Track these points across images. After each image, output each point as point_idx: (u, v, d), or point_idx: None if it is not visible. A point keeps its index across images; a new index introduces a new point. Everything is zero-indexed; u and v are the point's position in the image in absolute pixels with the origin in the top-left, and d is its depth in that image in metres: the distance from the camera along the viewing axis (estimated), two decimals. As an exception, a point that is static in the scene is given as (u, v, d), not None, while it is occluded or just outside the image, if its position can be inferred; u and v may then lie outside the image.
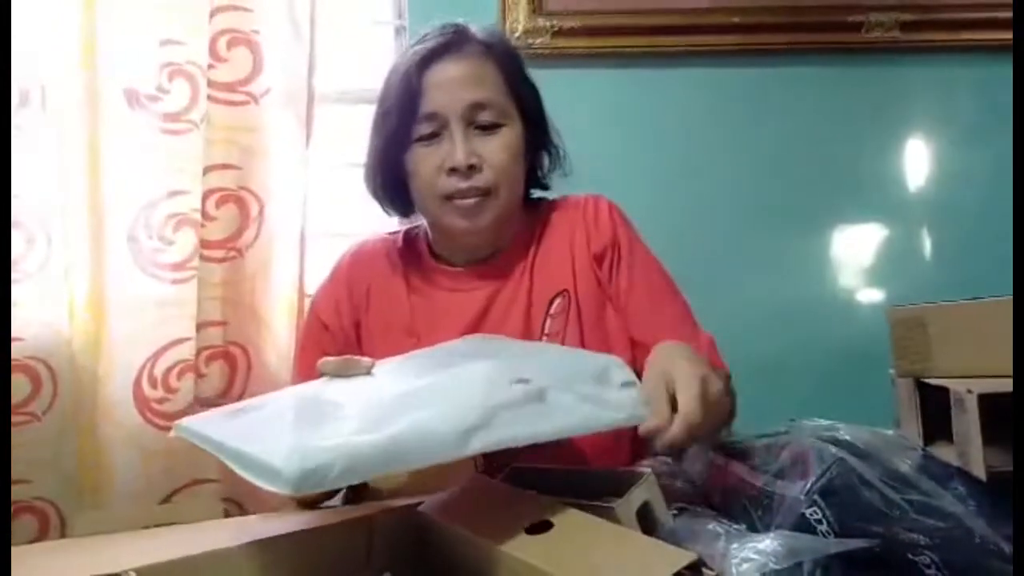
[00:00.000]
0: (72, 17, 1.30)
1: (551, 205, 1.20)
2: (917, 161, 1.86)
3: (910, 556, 0.59)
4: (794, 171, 1.82)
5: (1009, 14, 1.72)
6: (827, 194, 1.83)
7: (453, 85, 1.06)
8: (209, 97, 1.36)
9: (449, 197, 1.06)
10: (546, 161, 1.19)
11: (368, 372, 0.85)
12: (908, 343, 0.97)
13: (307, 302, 1.44)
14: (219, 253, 1.39)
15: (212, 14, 1.37)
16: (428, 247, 1.18)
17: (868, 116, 1.84)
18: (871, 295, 1.83)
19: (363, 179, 1.16)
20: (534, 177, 1.19)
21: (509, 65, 1.11)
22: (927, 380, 0.90)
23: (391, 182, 1.13)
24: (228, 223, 1.39)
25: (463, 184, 1.05)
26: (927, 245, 1.85)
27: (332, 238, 1.63)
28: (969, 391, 0.75)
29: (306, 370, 1.10)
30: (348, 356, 0.86)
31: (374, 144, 1.13)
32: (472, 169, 1.05)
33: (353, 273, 1.18)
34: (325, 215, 1.59)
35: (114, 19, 1.33)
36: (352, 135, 1.78)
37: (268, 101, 1.41)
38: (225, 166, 1.38)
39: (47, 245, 1.31)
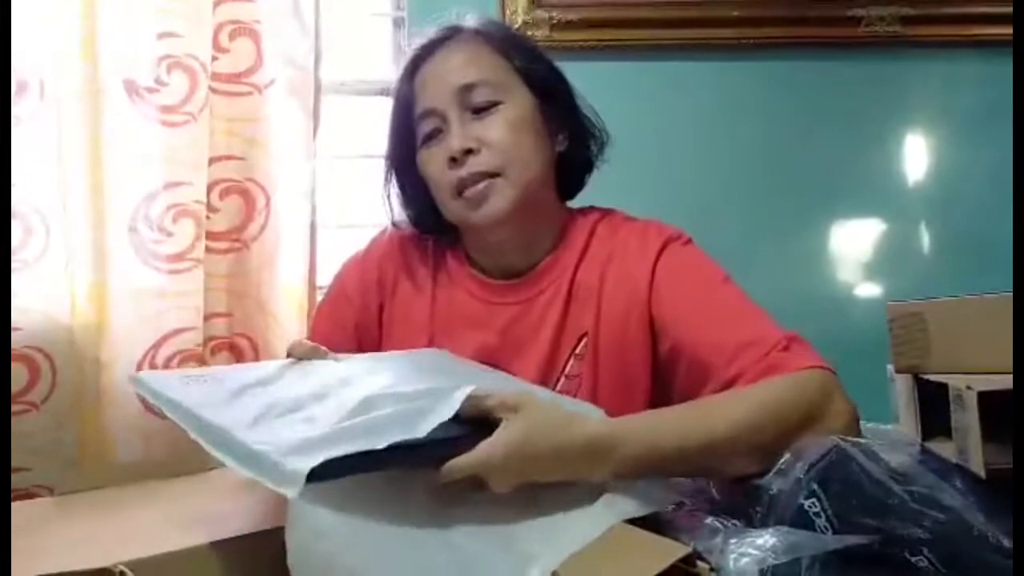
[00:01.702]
0: (72, 8, 1.30)
1: (602, 219, 1.09)
2: (917, 157, 1.86)
3: (908, 553, 0.59)
4: (793, 166, 1.82)
5: (1010, 9, 1.72)
6: (826, 189, 1.83)
7: (441, 77, 1.02)
8: (211, 88, 1.36)
9: (459, 192, 1.00)
10: (591, 141, 1.10)
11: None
12: (907, 339, 0.97)
13: (319, 295, 1.44)
14: (223, 244, 1.39)
15: (215, 5, 1.36)
16: (465, 251, 1.12)
17: (868, 111, 1.84)
18: (870, 290, 1.83)
19: (384, 199, 1.13)
20: (578, 159, 1.10)
21: (505, 42, 1.05)
22: (926, 376, 0.91)
23: (418, 199, 1.08)
24: (233, 214, 1.39)
25: (464, 172, 0.99)
26: (927, 241, 1.85)
27: (339, 230, 1.63)
28: (968, 387, 0.75)
29: (317, 337, 1.08)
30: (317, 346, 0.88)
31: (388, 164, 1.10)
32: (470, 154, 0.99)
33: (388, 255, 1.13)
34: (331, 206, 1.59)
35: (114, 10, 1.32)
36: (353, 126, 1.78)
37: (271, 92, 1.40)
38: (229, 157, 1.38)
39: (46, 235, 1.31)
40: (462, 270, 1.10)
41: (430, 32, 1.07)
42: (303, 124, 1.43)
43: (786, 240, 1.81)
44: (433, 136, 1.02)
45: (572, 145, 1.08)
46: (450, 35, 1.05)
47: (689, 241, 1.07)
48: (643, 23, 1.77)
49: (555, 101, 1.06)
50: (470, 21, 1.07)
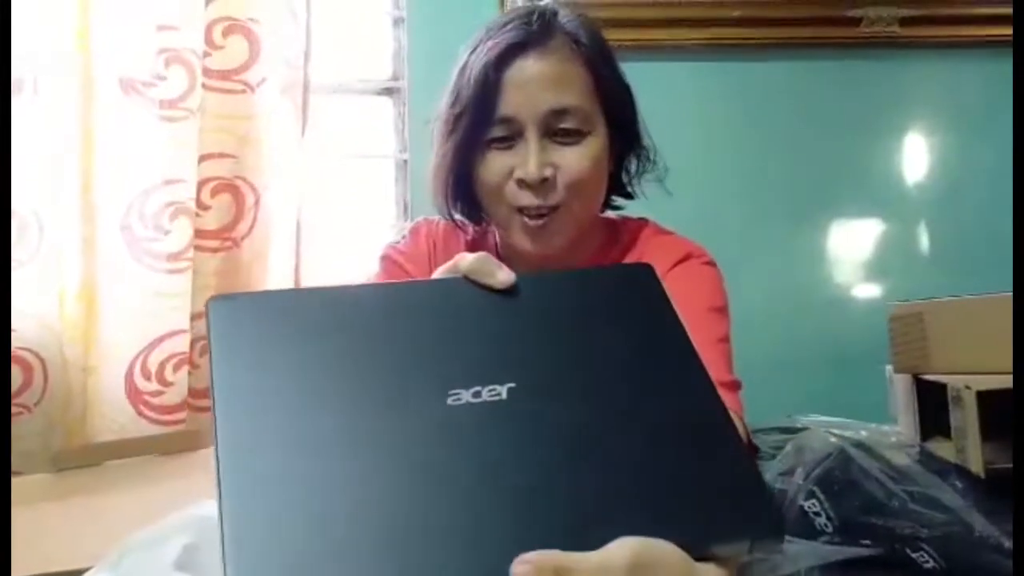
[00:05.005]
0: (68, 1, 1.29)
1: (638, 231, 1.07)
2: (916, 157, 1.86)
3: (909, 552, 0.58)
4: (791, 166, 1.82)
5: (1008, 10, 1.72)
6: (824, 190, 1.83)
7: (533, 86, 0.95)
8: (204, 85, 1.35)
9: (519, 210, 0.96)
10: (634, 167, 1.06)
11: (508, 287, 0.54)
12: (907, 339, 0.97)
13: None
14: (214, 243, 1.38)
15: (208, 1, 1.36)
16: (496, 251, 1.07)
17: (866, 111, 1.84)
18: (870, 291, 1.83)
19: (432, 183, 1.04)
20: (618, 184, 1.06)
21: (599, 64, 0.99)
22: (925, 376, 0.90)
23: (462, 186, 1.02)
24: (223, 213, 1.38)
25: (534, 201, 0.94)
26: (926, 242, 1.85)
27: (329, 229, 1.63)
28: (967, 387, 0.74)
29: None
30: (486, 256, 0.56)
31: (447, 146, 1.01)
32: (545, 183, 0.94)
33: (432, 241, 1.08)
34: (323, 206, 1.58)
35: (109, 4, 1.32)
36: (349, 126, 1.78)
37: (264, 90, 1.40)
38: (221, 155, 1.38)
39: (39, 233, 1.30)
40: None
41: (524, 21, 0.98)
42: (295, 123, 1.42)
43: (785, 240, 1.81)
44: (502, 141, 0.96)
45: (623, 168, 1.06)
46: (544, 34, 0.97)
47: (710, 263, 1.04)
48: (642, 24, 1.76)
49: (625, 133, 1.03)
50: (567, 20, 0.99)
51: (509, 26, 0.97)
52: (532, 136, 0.94)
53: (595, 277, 0.63)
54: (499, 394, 0.46)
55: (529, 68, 0.95)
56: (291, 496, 0.40)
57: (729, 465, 0.47)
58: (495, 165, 0.96)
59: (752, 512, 0.45)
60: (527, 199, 0.94)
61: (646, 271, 0.59)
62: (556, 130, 0.95)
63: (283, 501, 0.40)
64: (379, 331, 0.50)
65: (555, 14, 0.99)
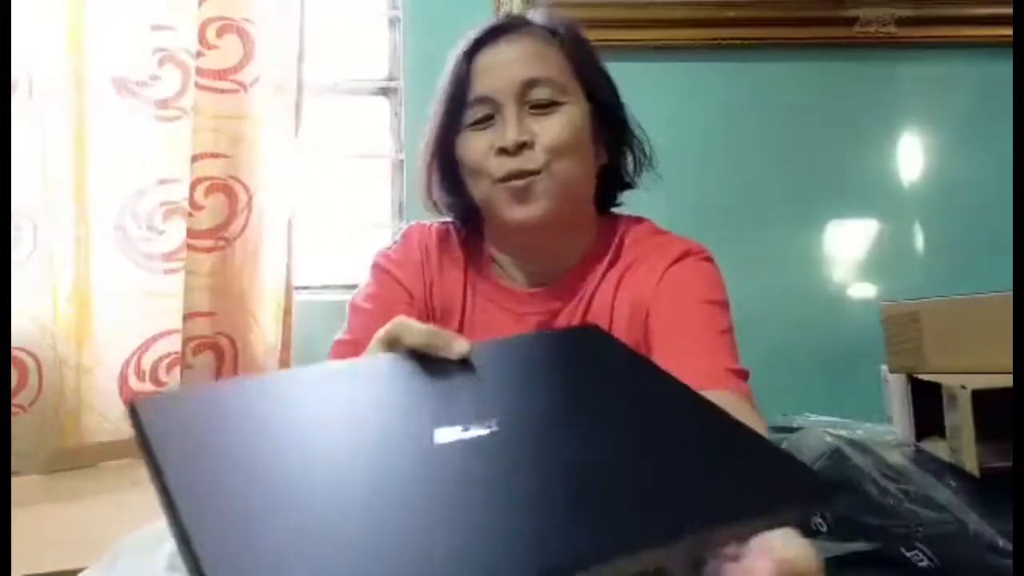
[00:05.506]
0: (60, 1, 1.29)
1: (635, 231, 1.07)
2: (911, 158, 1.87)
3: (904, 550, 0.58)
4: (787, 167, 1.82)
5: (1005, 10, 1.72)
6: (820, 190, 1.83)
7: (505, 66, 0.98)
8: (197, 85, 1.35)
9: (501, 179, 0.96)
10: (629, 158, 1.07)
11: (463, 359, 0.54)
12: (902, 339, 0.97)
13: (295, 295, 1.42)
14: (207, 243, 1.38)
15: (201, 0, 1.36)
16: (490, 255, 1.07)
17: (862, 112, 1.84)
18: (865, 291, 1.83)
19: (421, 176, 1.06)
20: (615, 177, 1.07)
21: (575, 49, 1.02)
22: (920, 376, 0.90)
23: (448, 176, 1.04)
24: (216, 212, 1.38)
25: (514, 165, 0.95)
26: (921, 241, 1.85)
27: (324, 229, 1.63)
28: (963, 387, 0.74)
29: (357, 331, 0.99)
30: (436, 328, 0.56)
31: (429, 138, 1.04)
32: (523, 147, 0.95)
33: (424, 246, 1.08)
34: (318, 206, 1.58)
35: (103, 4, 1.31)
36: (345, 126, 1.78)
37: (257, 90, 1.40)
38: (214, 155, 1.38)
39: (33, 234, 1.30)
40: (489, 277, 1.07)
41: (498, 20, 1.04)
42: (287, 122, 1.42)
43: (780, 240, 1.81)
44: (481, 122, 0.98)
45: (615, 161, 1.06)
46: (518, 25, 1.02)
47: (708, 259, 1.04)
48: (636, 24, 1.76)
49: (608, 115, 1.04)
50: (542, 18, 1.04)
51: (485, 24, 1.02)
52: (509, 108, 0.96)
53: (549, 337, 0.67)
54: (487, 428, 0.46)
55: (501, 52, 0.99)
56: (269, 527, 0.38)
57: (755, 446, 0.47)
58: (476, 144, 0.98)
59: (800, 478, 0.45)
60: (509, 165, 0.95)
61: (596, 328, 0.63)
62: (532, 101, 0.97)
63: (262, 529, 0.38)
64: (348, 395, 0.51)
65: (528, 16, 1.04)
